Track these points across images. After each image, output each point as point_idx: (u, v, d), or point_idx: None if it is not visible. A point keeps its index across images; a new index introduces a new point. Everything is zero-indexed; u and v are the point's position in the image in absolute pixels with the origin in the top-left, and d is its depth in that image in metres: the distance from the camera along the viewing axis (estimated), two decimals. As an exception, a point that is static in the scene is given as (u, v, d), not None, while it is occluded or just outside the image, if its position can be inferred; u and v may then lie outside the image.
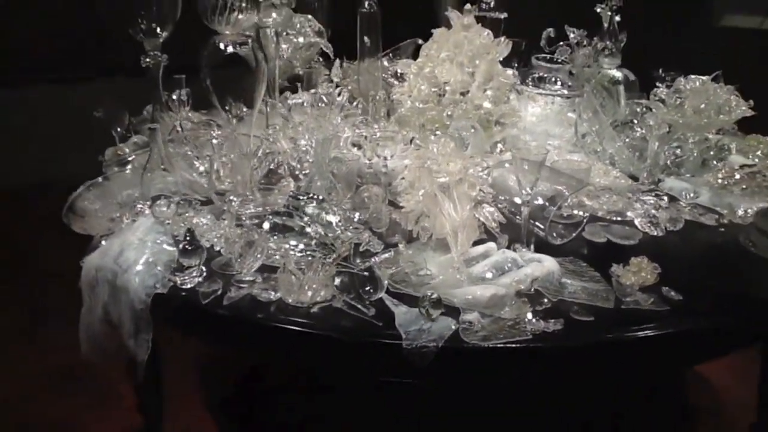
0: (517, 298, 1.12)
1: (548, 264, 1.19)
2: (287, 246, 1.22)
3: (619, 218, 1.46)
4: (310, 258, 1.18)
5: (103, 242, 1.36)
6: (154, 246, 1.28)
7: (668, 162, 1.65)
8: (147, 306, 1.21)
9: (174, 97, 1.69)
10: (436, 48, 1.71)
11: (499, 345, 1.03)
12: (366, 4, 2.02)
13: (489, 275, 1.18)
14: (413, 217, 1.33)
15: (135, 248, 1.28)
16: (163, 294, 1.20)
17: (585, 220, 1.41)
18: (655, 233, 1.40)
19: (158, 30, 1.71)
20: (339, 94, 1.40)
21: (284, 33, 2.04)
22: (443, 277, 1.19)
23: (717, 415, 1.85)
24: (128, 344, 1.27)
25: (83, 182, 1.51)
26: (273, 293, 1.17)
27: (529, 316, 1.09)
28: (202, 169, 1.51)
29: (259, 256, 1.21)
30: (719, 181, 1.55)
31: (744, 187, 1.53)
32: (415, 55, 1.99)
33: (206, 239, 1.30)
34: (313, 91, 1.46)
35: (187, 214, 1.35)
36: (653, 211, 1.45)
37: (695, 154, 1.64)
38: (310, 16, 2.12)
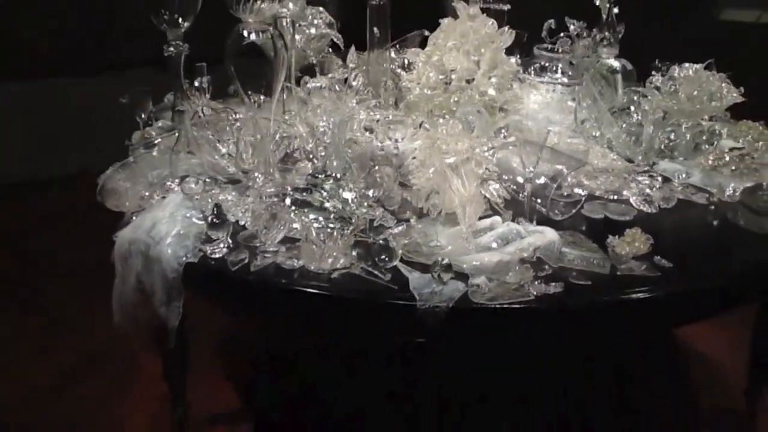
0: (520, 264, 1.22)
1: (549, 234, 1.29)
2: (308, 219, 1.31)
3: (615, 197, 1.56)
4: (329, 230, 1.28)
5: (135, 218, 1.46)
6: (184, 220, 1.38)
7: (662, 146, 1.76)
8: (179, 274, 1.31)
9: (196, 84, 1.78)
10: (443, 37, 1.80)
11: (504, 305, 1.13)
12: (376, -5, 2.12)
13: (494, 245, 1.28)
14: (424, 194, 1.43)
15: (166, 222, 1.38)
16: (194, 263, 1.30)
17: (584, 198, 1.51)
18: (649, 210, 1.50)
19: (180, 20, 1.81)
20: (354, 78, 1.50)
21: (298, 24, 2.14)
22: (452, 247, 1.29)
23: (713, 384, 1.95)
24: (160, 312, 1.37)
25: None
26: (296, 261, 1.27)
27: (532, 280, 1.19)
28: (224, 151, 1.61)
29: (282, 228, 1.31)
30: (710, 162, 1.64)
31: (733, 168, 1.63)
32: (421, 46, 2.09)
33: (232, 214, 1.40)
34: (330, 75, 1.55)
35: (213, 191, 1.45)
36: (648, 190, 1.55)
37: (688, 138, 1.74)
38: (321, 8, 2.21)
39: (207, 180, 1.45)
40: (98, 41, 3.65)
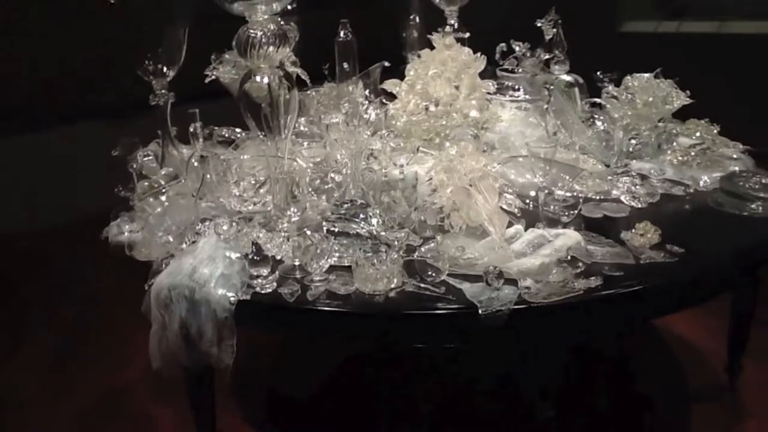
0: (558, 264, 1.34)
1: (574, 235, 1.41)
2: (356, 246, 1.38)
3: (603, 197, 1.71)
4: (379, 254, 1.35)
5: (164, 265, 1.48)
6: (224, 260, 1.41)
7: (630, 149, 1.94)
8: (231, 313, 1.35)
9: (191, 129, 1.81)
10: (422, 66, 1.92)
11: (558, 302, 1.24)
12: (342, 33, 2.22)
13: (528, 250, 1.39)
14: (446, 211, 1.52)
15: (207, 265, 1.41)
16: (247, 300, 1.34)
17: (581, 200, 1.65)
18: (639, 206, 1.66)
19: (165, 70, 1.84)
20: (366, 112, 1.58)
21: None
22: (488, 257, 1.39)
23: (696, 364, 2.14)
24: (210, 352, 1.39)
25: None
26: (346, 287, 1.33)
27: (573, 277, 1.30)
28: (236, 191, 1.65)
29: (328, 257, 1.37)
30: (678, 159, 1.83)
31: (699, 161, 1.82)
32: (382, 77, 2.20)
33: (267, 250, 1.45)
34: (344, 110, 1.63)
35: (244, 230, 1.49)
36: (633, 188, 1.71)
37: (653, 140, 1.93)
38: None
39: (237, 221, 1.49)
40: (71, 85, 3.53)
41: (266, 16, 1.52)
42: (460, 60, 1.90)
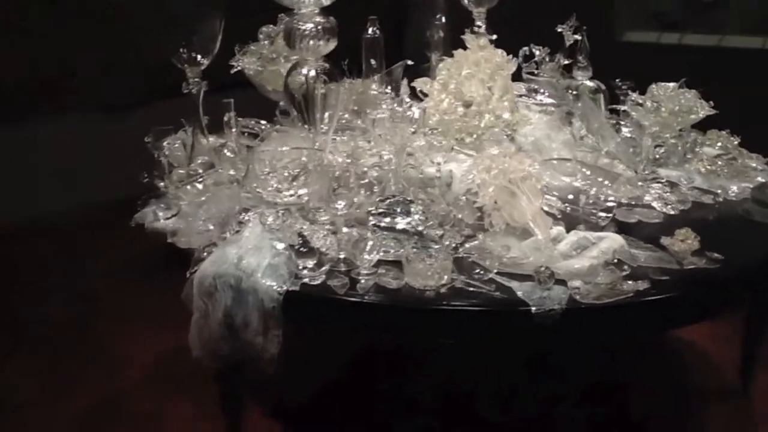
0: (604, 267, 1.36)
1: (618, 239, 1.43)
2: (408, 241, 1.39)
3: (635, 203, 1.73)
4: (430, 249, 1.36)
5: (206, 254, 1.48)
6: (271, 251, 1.41)
7: (656, 156, 1.97)
8: (279, 303, 1.35)
9: (225, 119, 1.81)
10: (456, 66, 1.93)
11: (609, 303, 1.26)
12: (370, 30, 2.23)
13: (573, 252, 1.41)
14: (487, 210, 1.54)
15: (253, 255, 1.41)
16: (295, 291, 1.34)
17: (615, 205, 1.67)
18: (671, 212, 1.69)
19: (200, 58, 1.83)
20: (410, 108, 1.59)
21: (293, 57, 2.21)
22: (533, 257, 1.40)
23: (707, 369, 2.18)
24: (254, 342, 1.39)
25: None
26: (396, 281, 1.34)
27: (621, 279, 1.33)
28: (274, 183, 1.65)
29: (377, 251, 1.38)
30: (707, 167, 1.87)
31: (726, 171, 1.86)
32: (404, 76, 2.21)
33: (313, 242, 1.45)
34: (389, 107, 1.63)
35: (288, 221, 1.49)
36: (664, 195, 1.74)
37: (679, 148, 1.97)
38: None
39: (282, 212, 1.49)
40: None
41: (314, 9, 1.52)
42: (494, 62, 1.92)
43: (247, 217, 1.51)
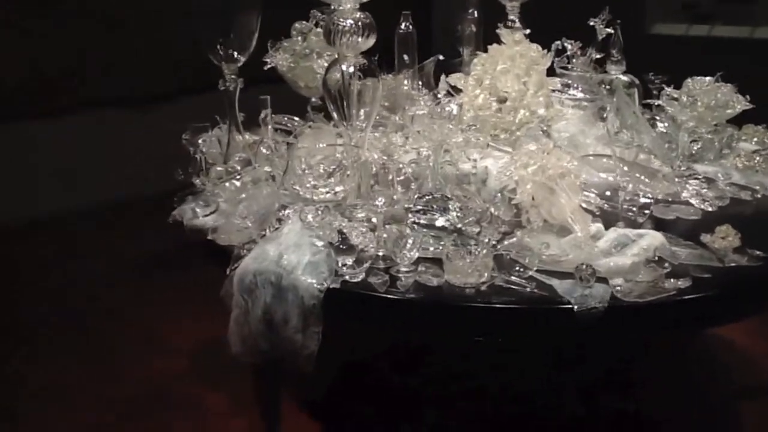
0: (645, 264, 1.36)
1: (659, 236, 1.43)
2: (448, 238, 1.40)
3: (672, 199, 1.72)
4: (469, 247, 1.36)
5: (246, 251, 1.49)
6: (312, 248, 1.42)
7: (692, 151, 1.95)
8: (319, 301, 1.36)
9: (261, 116, 1.82)
10: (491, 62, 1.93)
11: (652, 301, 1.26)
12: (403, 25, 2.23)
13: (614, 249, 1.41)
14: (525, 207, 1.54)
15: (293, 252, 1.42)
16: (335, 288, 1.35)
17: (653, 202, 1.66)
18: (710, 209, 1.67)
19: (237, 55, 1.85)
20: (448, 105, 1.59)
21: (326, 53, 2.22)
22: (573, 254, 1.40)
23: (742, 364, 2.17)
24: (294, 339, 1.41)
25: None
26: (437, 278, 1.35)
27: (662, 277, 1.32)
28: (311, 180, 1.66)
29: (417, 249, 1.38)
30: (744, 163, 1.85)
31: (764, 166, 1.84)
32: (436, 71, 2.21)
33: (352, 239, 1.46)
34: (428, 103, 1.63)
35: (327, 219, 1.50)
36: (701, 191, 1.73)
37: (715, 144, 1.95)
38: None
39: (321, 209, 1.50)
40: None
41: (353, 5, 1.52)
42: (529, 56, 1.91)
43: (286, 214, 1.51)
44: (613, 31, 2.23)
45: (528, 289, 1.31)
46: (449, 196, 1.54)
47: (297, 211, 1.51)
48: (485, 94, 1.88)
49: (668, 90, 2.07)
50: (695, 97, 1.99)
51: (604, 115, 2.10)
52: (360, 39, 1.52)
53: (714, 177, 1.82)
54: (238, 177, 1.68)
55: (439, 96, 2.00)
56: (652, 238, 1.42)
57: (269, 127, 1.85)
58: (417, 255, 1.39)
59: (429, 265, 1.39)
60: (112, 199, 3.46)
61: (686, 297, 1.28)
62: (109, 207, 3.37)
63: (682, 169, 1.88)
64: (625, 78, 2.24)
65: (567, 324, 1.25)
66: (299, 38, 2.25)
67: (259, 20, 1.85)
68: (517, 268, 1.37)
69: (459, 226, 1.47)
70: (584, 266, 1.30)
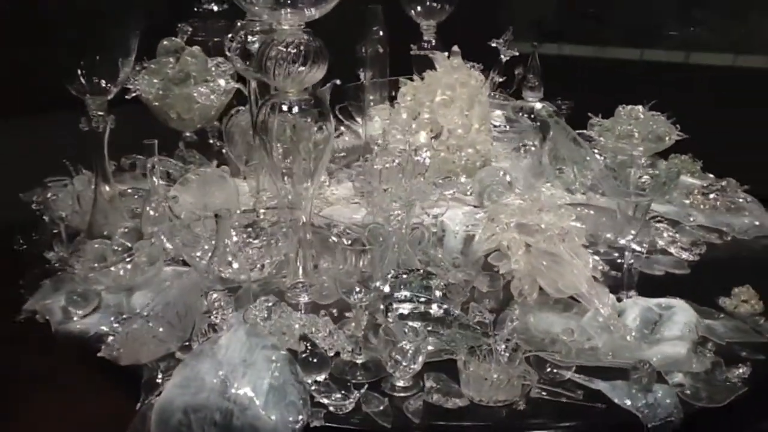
0: (693, 350, 1.10)
1: (687, 307, 1.19)
2: (464, 339, 1.05)
3: (646, 249, 1.51)
4: (485, 348, 1.03)
5: (162, 374, 1.04)
6: (269, 364, 1.00)
7: (643, 188, 1.77)
8: (299, 448, 0.95)
9: (149, 165, 1.35)
10: (426, 92, 1.60)
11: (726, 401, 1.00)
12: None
13: (645, 330, 1.14)
14: (518, 278, 1.23)
15: (244, 375, 0.99)
16: (318, 428, 0.95)
17: (644, 253, 1.42)
18: (690, 258, 1.48)
19: (105, 85, 1.36)
20: (421, 154, 1.24)
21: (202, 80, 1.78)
22: (602, 342, 1.12)
23: None
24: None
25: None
26: (451, 398, 1.00)
27: (715, 366, 1.07)
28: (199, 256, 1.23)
29: (420, 356, 1.02)
30: (706, 202, 1.70)
31: (730, 206, 1.68)
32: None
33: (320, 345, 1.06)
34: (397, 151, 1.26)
35: (279, 315, 1.08)
36: (679, 237, 1.54)
37: (663, 178, 1.78)
38: (221, 59, 1.87)
39: (270, 303, 1.08)
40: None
41: (297, 25, 1.12)
42: (470, 85, 1.62)
43: (219, 316, 1.07)
44: (517, 54, 2.00)
45: (577, 401, 1.00)
46: (431, 270, 1.19)
47: (237, 310, 1.08)
48: (427, 131, 1.56)
49: (595, 119, 1.89)
50: (630, 128, 1.83)
51: (528, 148, 1.88)
52: (304, 69, 1.12)
53: (678, 219, 1.65)
54: (127, 257, 1.20)
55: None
56: (684, 312, 1.17)
57: (156, 180, 1.39)
58: (418, 367, 1.02)
59: (431, 375, 1.03)
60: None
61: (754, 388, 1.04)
62: None
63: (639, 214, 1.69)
64: (539, 105, 2.03)
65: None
66: (169, 59, 1.79)
67: (136, 41, 1.38)
68: (551, 370, 1.05)
69: (456, 312, 1.12)
70: (641, 364, 1.01)
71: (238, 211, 1.33)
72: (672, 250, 1.51)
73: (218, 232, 1.10)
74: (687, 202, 1.73)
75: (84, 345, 1.12)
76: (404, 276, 1.17)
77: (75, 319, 1.17)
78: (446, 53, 1.77)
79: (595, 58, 4.05)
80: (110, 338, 1.08)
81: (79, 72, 1.32)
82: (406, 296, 1.11)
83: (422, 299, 1.12)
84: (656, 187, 1.77)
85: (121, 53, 1.35)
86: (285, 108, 1.13)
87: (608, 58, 3.99)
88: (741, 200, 1.72)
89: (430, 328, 1.09)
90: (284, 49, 1.10)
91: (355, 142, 1.86)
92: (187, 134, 1.86)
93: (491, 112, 1.71)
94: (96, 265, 1.19)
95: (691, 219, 1.65)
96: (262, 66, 1.11)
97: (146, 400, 1.01)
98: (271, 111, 1.13)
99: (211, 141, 1.99)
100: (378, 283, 1.11)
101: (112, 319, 1.15)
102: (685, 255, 1.49)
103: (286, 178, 1.18)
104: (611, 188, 1.72)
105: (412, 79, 1.70)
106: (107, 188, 1.42)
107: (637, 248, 1.32)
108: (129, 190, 1.64)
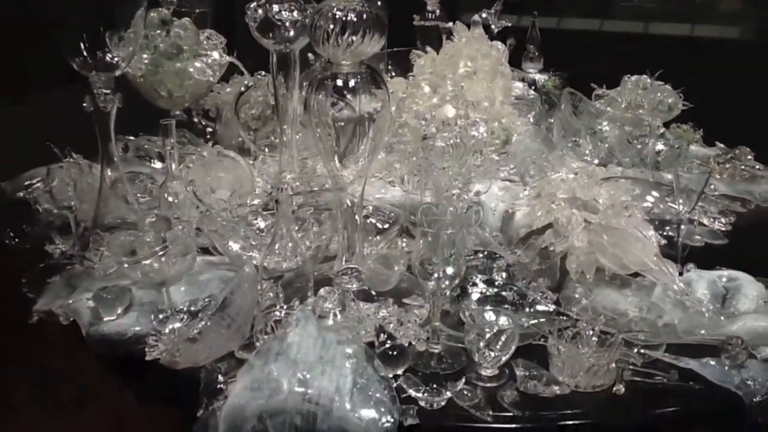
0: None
1: (750, 278, 1.16)
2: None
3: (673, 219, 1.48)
4: (573, 331, 0.97)
5: (225, 377, 0.93)
6: (348, 360, 0.91)
7: (659, 158, 1.75)
8: (393, 447, 0.87)
9: (167, 148, 1.22)
10: (447, 63, 1.51)
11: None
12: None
13: (717, 304, 1.11)
14: (578, 255, 1.17)
15: (324, 373, 0.90)
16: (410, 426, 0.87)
17: (682, 224, 1.39)
18: (723, 228, 1.47)
19: (115, 60, 1.22)
20: (476, 129, 1.16)
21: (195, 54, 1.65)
22: (679, 319, 1.08)
23: None
24: None
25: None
26: (544, 385, 0.93)
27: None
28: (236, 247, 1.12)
29: (512, 343, 0.95)
30: (726, 171, 1.69)
31: (745, 175, 1.68)
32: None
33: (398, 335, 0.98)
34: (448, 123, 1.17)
35: (351, 309, 0.99)
36: (711, 208, 1.52)
37: (676, 149, 1.76)
38: (211, 30, 1.74)
39: (337, 291, 0.98)
40: None
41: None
42: (492, 56, 1.54)
43: (282, 310, 0.97)
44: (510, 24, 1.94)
45: (673, 382, 0.95)
46: (494, 251, 1.12)
47: (302, 303, 0.98)
48: (454, 104, 1.47)
49: (600, 90, 1.86)
50: (639, 98, 1.81)
51: (535, 120, 1.83)
52: (361, 40, 1.02)
53: (694, 187, 1.63)
54: (160, 251, 1.08)
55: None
56: (753, 284, 1.14)
57: (173, 163, 1.26)
58: (508, 356, 0.96)
59: (519, 362, 0.97)
60: None
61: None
62: None
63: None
64: (540, 76, 1.99)
65: (736, 423, 0.93)
66: (159, 32, 1.64)
67: (145, 14, 1.24)
68: (639, 351, 1.00)
69: (532, 296, 1.06)
70: (735, 340, 0.98)
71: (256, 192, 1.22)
72: (704, 220, 1.49)
73: (277, 219, 1.00)
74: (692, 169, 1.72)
75: (122, 347, 1.00)
76: (470, 258, 1.09)
77: (103, 320, 1.04)
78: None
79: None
80: (160, 339, 0.96)
81: (82, 46, 1.18)
82: (483, 279, 1.04)
83: (497, 282, 1.05)
84: (672, 156, 1.76)
85: (129, 25, 1.21)
86: (340, 83, 1.02)
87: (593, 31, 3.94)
88: (757, 168, 1.73)
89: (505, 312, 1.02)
90: (341, 16, 0.99)
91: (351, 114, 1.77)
92: (177, 113, 1.73)
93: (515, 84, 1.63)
94: (125, 258, 1.07)
95: (713, 188, 1.63)
96: (312, 36, 1.00)
97: (209, 406, 0.91)
98: (321, 86, 1.02)
99: (195, 119, 1.87)
100: (449, 269, 1.03)
101: (152, 317, 1.03)
102: (717, 225, 1.48)
103: (336, 157, 1.08)
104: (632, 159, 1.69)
105: (420, 52, 1.62)
106: (109, 173, 1.29)
107: (690, 220, 1.29)
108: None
